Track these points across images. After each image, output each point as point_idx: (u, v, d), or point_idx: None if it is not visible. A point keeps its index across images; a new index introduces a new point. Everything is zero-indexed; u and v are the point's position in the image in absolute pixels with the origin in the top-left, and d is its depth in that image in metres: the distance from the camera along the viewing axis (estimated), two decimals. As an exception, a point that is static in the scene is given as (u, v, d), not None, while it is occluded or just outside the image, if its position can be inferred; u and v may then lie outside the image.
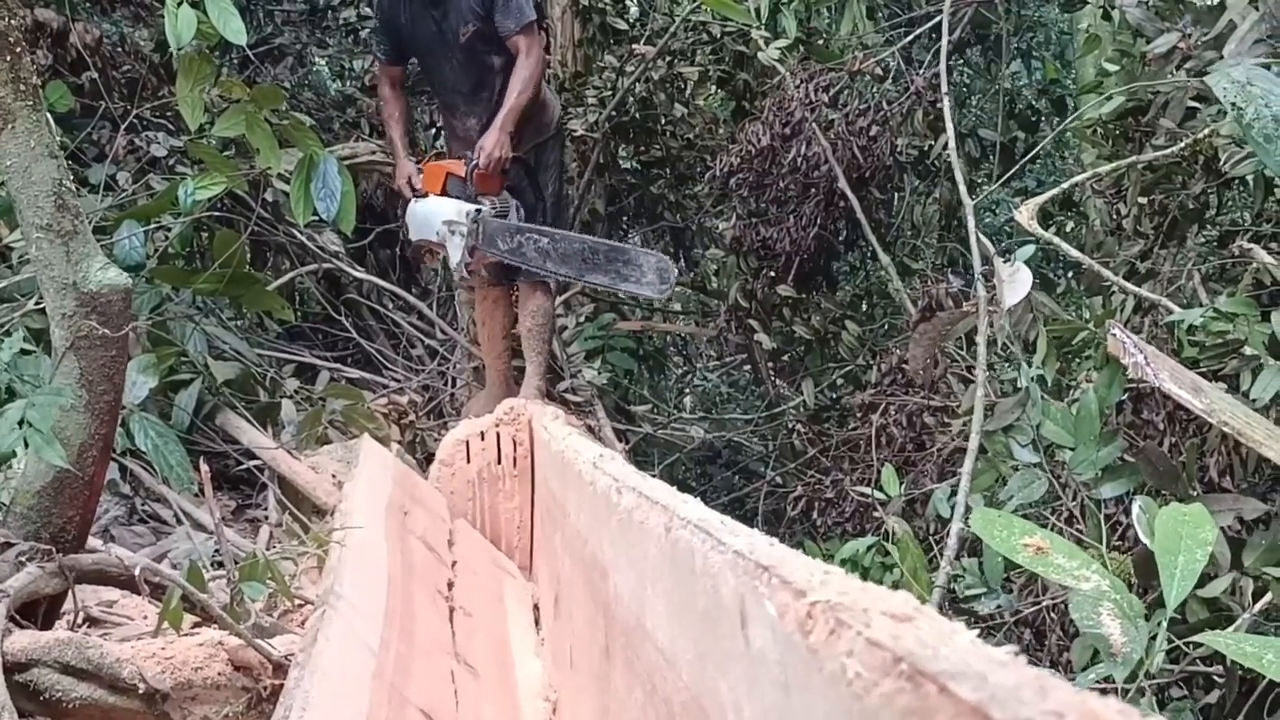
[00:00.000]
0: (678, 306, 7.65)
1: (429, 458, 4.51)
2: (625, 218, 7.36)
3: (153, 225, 4.33)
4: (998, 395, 3.56)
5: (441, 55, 5.02)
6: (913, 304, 5.18)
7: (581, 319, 6.38)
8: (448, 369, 6.40)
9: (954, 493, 3.45)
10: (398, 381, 6.26)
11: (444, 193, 4.99)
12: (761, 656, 0.72)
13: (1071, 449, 2.98)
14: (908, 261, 6.57)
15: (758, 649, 0.74)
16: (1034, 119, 6.84)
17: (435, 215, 4.99)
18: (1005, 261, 3.39)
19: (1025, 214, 3.45)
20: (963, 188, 4.06)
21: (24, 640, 2.27)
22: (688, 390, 8.75)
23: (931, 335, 4.18)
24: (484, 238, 4.88)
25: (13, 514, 2.54)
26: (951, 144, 4.56)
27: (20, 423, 2.37)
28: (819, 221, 5.96)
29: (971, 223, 3.67)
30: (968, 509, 3.16)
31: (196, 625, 2.67)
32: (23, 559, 2.43)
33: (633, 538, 1.35)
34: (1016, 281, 3.29)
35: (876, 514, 4.19)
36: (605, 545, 1.69)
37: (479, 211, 4.89)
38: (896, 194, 6.55)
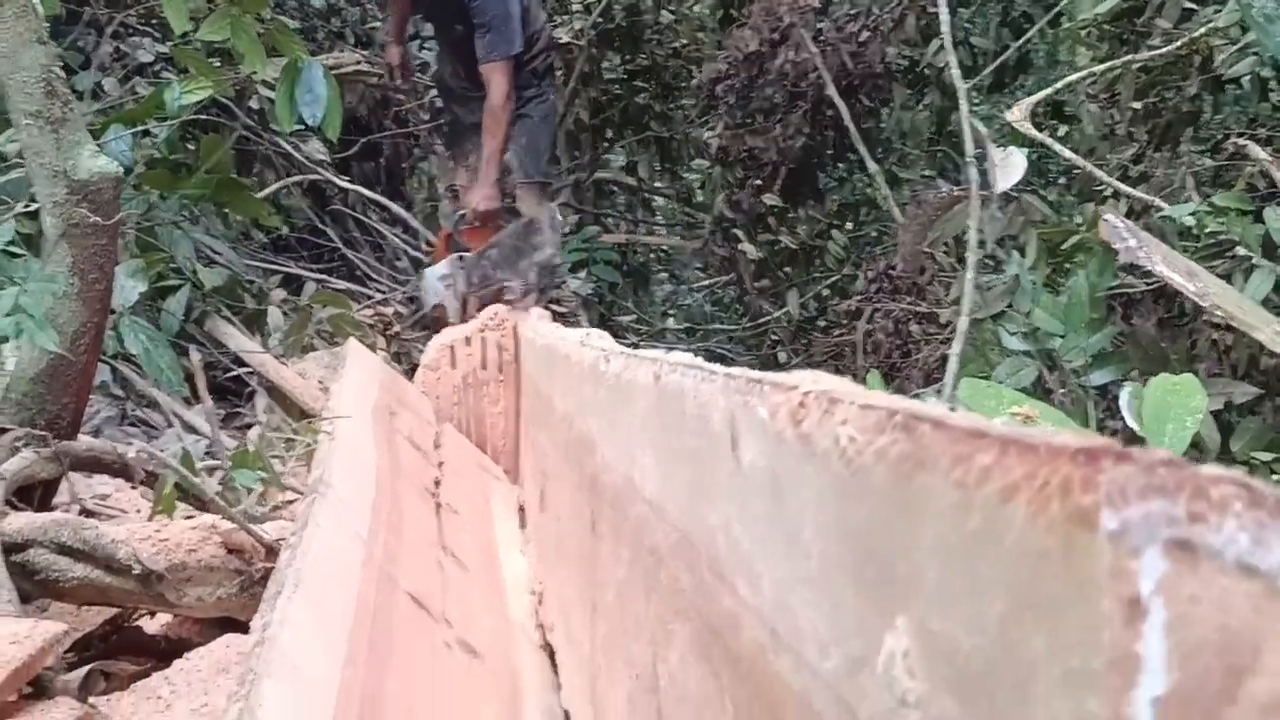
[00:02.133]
0: (662, 219, 7.66)
1: (413, 369, 4.54)
2: (610, 130, 7.34)
3: (139, 130, 4.32)
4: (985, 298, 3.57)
5: (444, 31, 5.06)
6: (901, 212, 5.18)
7: (566, 231, 6.39)
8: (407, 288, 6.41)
9: (940, 395, 3.47)
10: (382, 293, 6.27)
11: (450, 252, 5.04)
12: (751, 470, 0.75)
13: (1062, 337, 2.98)
14: (896, 170, 6.55)
15: (748, 464, 0.76)
16: (1026, 25, 6.79)
17: (433, 276, 5.03)
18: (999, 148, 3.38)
19: (1018, 113, 3.45)
20: (955, 69, 4.03)
21: (20, 521, 2.30)
22: (673, 309, 8.77)
23: (922, 220, 4.18)
24: (474, 280, 4.90)
25: (8, 400, 2.57)
26: (945, 23, 4.48)
27: (13, 310, 2.39)
28: (806, 131, 5.95)
29: (964, 107, 3.66)
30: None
31: (188, 517, 2.71)
32: (18, 444, 2.46)
33: (622, 401, 1.38)
34: (1010, 166, 3.29)
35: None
36: (592, 419, 1.73)
37: (461, 257, 4.92)
38: (885, 103, 6.52)
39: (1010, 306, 3.08)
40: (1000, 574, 0.40)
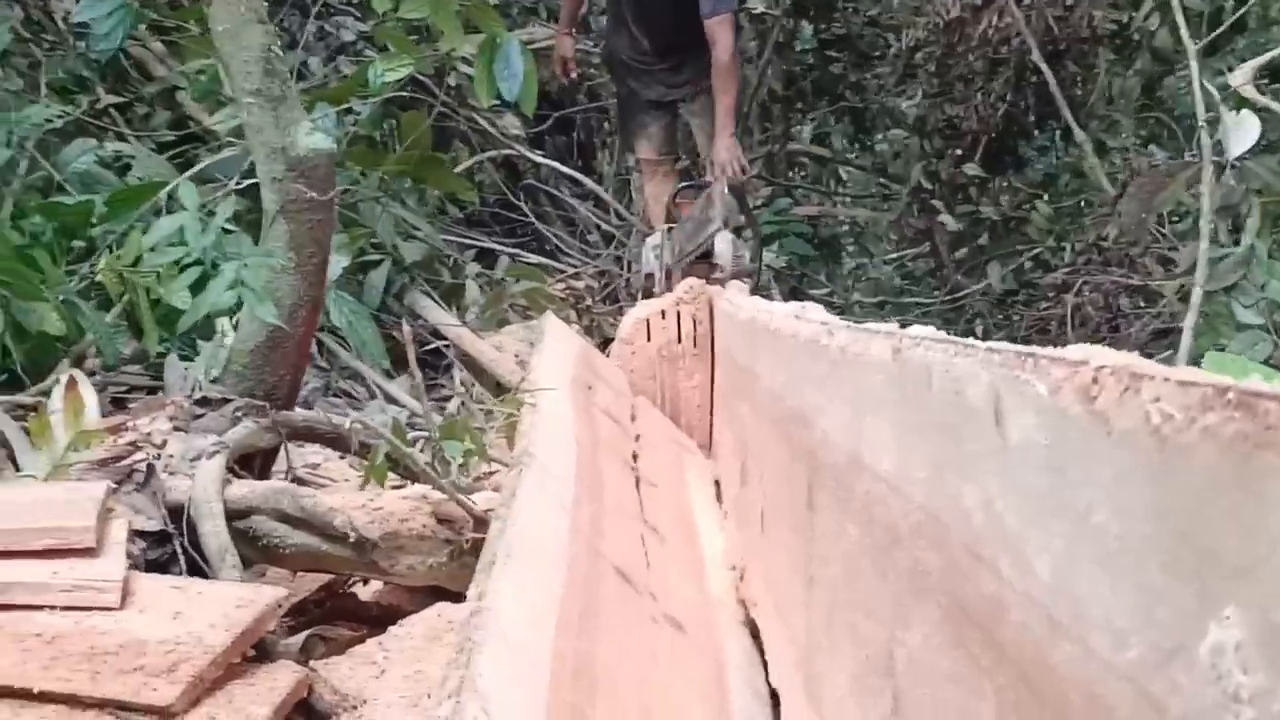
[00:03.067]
0: (853, 191, 7.57)
1: (606, 342, 4.57)
2: (802, 101, 7.27)
3: (343, 108, 4.42)
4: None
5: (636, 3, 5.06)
6: (1110, 181, 5.02)
7: (757, 204, 6.36)
8: (624, 254, 6.43)
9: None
10: (574, 267, 6.32)
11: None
12: (1023, 447, 0.72)
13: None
14: (1103, 138, 6.33)
15: (1017, 440, 0.73)
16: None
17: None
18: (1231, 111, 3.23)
19: (1241, 77, 3.29)
20: (1184, 28, 3.86)
21: (243, 489, 2.38)
22: (863, 280, 8.67)
23: (1147, 190, 4.02)
24: (674, 252, 4.89)
25: (229, 372, 2.66)
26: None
27: (234, 284, 2.47)
28: (1008, 98, 5.80)
29: (1195, 68, 3.50)
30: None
31: (397, 487, 2.76)
32: (239, 414, 2.54)
33: (847, 374, 1.35)
34: (1243, 130, 3.14)
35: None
36: (810, 394, 1.70)
37: (670, 229, 4.91)
38: (1091, 69, 6.31)
39: (1245, 278, 2.94)
40: None
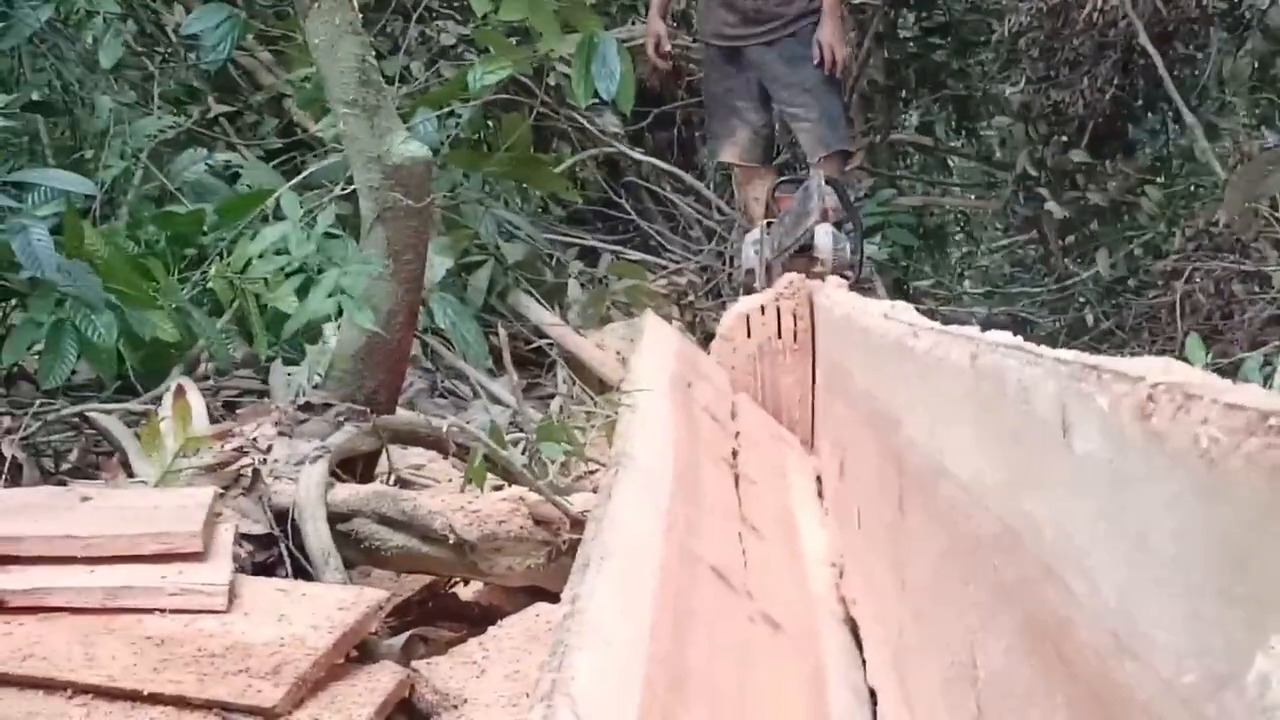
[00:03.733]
0: (958, 179, 7.48)
1: (708, 338, 4.57)
2: (904, 90, 7.21)
3: (445, 111, 4.48)
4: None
5: None
6: (1221, 164, 4.90)
7: (860, 195, 6.32)
8: (725, 249, 6.43)
9: (1268, 361, 3.28)
10: (676, 263, 6.32)
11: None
12: (1087, 459, 0.71)
13: None
14: (1215, 120, 6.17)
15: (1082, 453, 0.72)
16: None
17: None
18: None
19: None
20: None
21: (345, 492, 2.43)
22: (970, 270, 8.57)
23: (1252, 175, 3.93)
24: (774, 247, 4.85)
25: (330, 378, 2.71)
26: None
27: (334, 291, 2.52)
28: (1115, 82, 5.68)
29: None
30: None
31: (496, 488, 2.80)
32: (340, 419, 2.59)
33: (931, 379, 1.35)
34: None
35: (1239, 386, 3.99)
36: (898, 395, 1.70)
37: (769, 224, 4.88)
38: (1201, 49, 6.16)
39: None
40: None
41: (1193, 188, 6.38)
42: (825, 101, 5.10)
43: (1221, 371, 4.07)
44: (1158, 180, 6.25)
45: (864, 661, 2.04)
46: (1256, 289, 4.42)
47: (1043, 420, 0.81)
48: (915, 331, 1.48)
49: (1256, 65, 6.08)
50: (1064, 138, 5.98)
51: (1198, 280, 4.74)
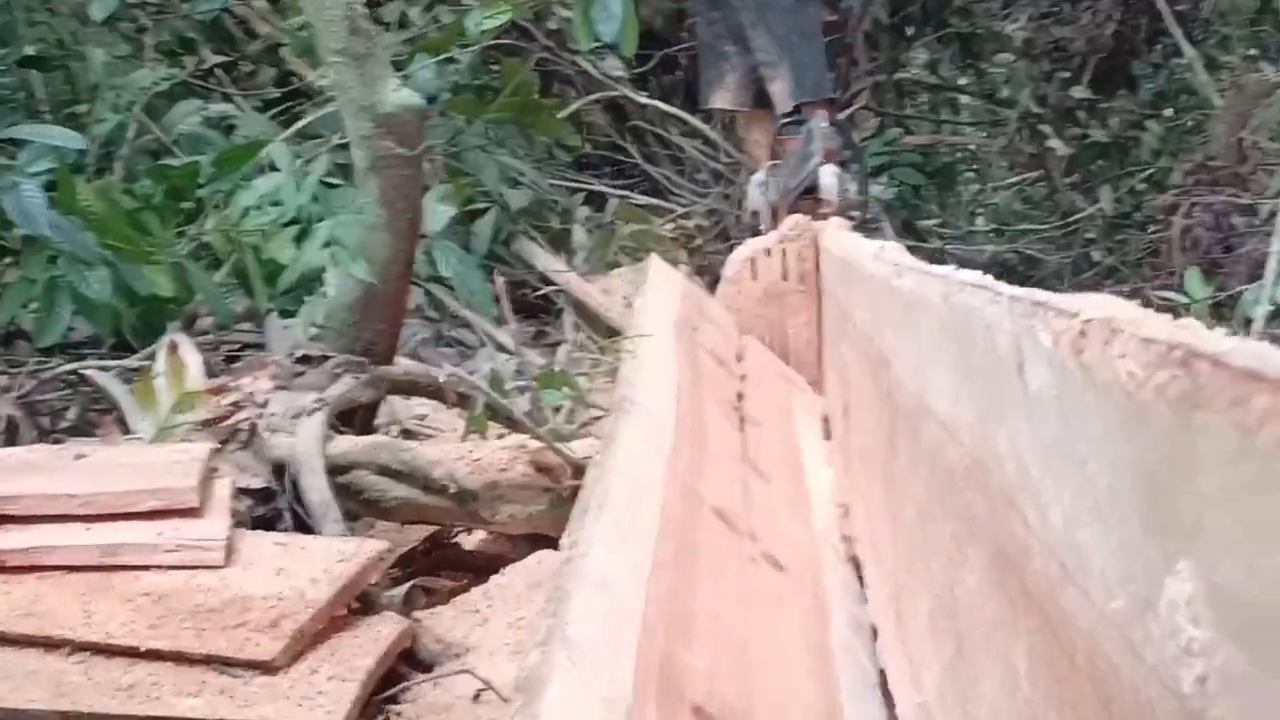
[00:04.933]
0: (967, 118, 7.42)
1: (716, 281, 4.56)
2: (910, 28, 7.14)
3: (444, 57, 4.44)
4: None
5: None
6: (1221, 98, 4.86)
7: (866, 135, 6.27)
8: (733, 192, 6.38)
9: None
10: (684, 206, 6.28)
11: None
12: (1039, 395, 0.72)
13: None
14: (1215, 54, 6.12)
15: (1034, 390, 0.73)
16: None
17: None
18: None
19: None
20: None
21: (344, 444, 2.43)
22: (980, 209, 8.53)
23: (1239, 107, 3.90)
24: (779, 189, 4.76)
25: (327, 330, 2.71)
26: None
27: (328, 242, 2.51)
28: (1117, 17, 5.63)
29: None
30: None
31: (500, 436, 2.80)
32: (338, 370, 2.59)
33: (914, 318, 1.35)
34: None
35: (1179, 321, 3.98)
36: (888, 335, 1.70)
37: (774, 165, 4.80)
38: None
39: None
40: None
41: (1193, 122, 6.33)
42: (798, 50, 4.94)
43: (1220, 305, 4.07)
44: (1160, 114, 6.20)
45: (867, 600, 2.05)
46: (1257, 222, 4.39)
47: (1002, 357, 0.82)
48: (899, 272, 1.48)
49: (1259, -3, 6.02)
50: (1066, 74, 5.93)
51: (1197, 214, 4.71)
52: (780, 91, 4.84)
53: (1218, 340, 0.44)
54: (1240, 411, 0.39)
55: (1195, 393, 0.44)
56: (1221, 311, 4.03)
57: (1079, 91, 5.94)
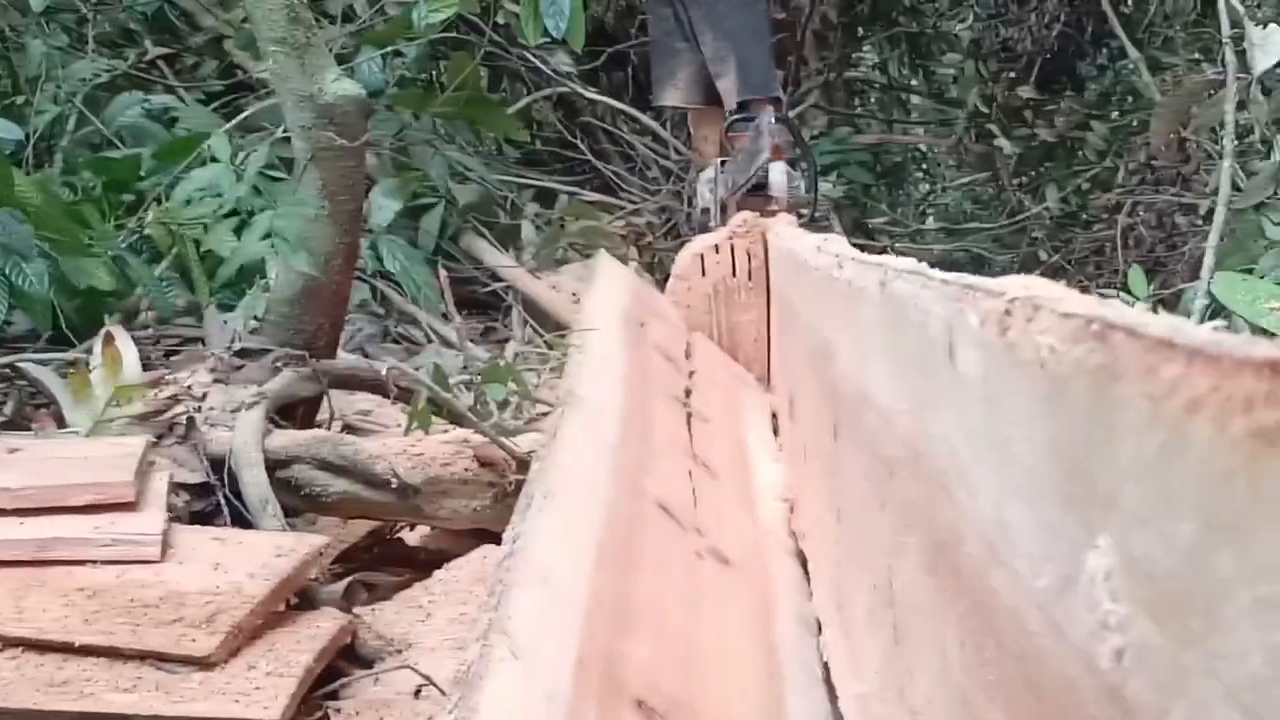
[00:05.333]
0: (916, 117, 7.46)
1: (666, 278, 4.55)
2: (859, 27, 7.17)
3: (390, 51, 4.42)
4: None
5: None
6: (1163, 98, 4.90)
7: (815, 134, 6.28)
8: (683, 189, 6.38)
9: (1210, 294, 3.30)
10: (634, 203, 6.28)
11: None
12: (967, 379, 0.72)
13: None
14: (1159, 56, 6.20)
15: (964, 370, 0.73)
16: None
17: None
18: (1258, 27, 3.16)
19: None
20: None
21: (284, 439, 2.40)
22: (929, 207, 8.59)
23: (1174, 107, 3.93)
24: (727, 185, 4.75)
25: (267, 322, 2.68)
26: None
27: (268, 233, 2.49)
28: (1063, 18, 5.68)
29: (1221, -18, 3.41)
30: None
31: (444, 431, 2.78)
32: (279, 364, 2.56)
33: (854, 308, 1.35)
34: (1268, 45, 3.06)
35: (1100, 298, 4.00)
36: (829, 327, 1.70)
37: (723, 162, 4.79)
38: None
39: (1277, 194, 2.88)
40: (1189, 493, 0.37)
41: (1137, 123, 6.41)
42: (745, 48, 4.93)
43: (1163, 302, 4.10)
44: (1105, 115, 6.27)
45: (813, 594, 2.05)
46: (1199, 221, 4.44)
47: (934, 340, 0.82)
48: (840, 263, 1.47)
49: (1198, 0, 6.08)
50: (1013, 74, 5.99)
51: (1140, 213, 4.76)
52: (728, 88, 4.84)
53: (1133, 313, 0.44)
54: (1152, 380, 0.39)
55: (1111, 364, 0.44)
56: (1164, 309, 4.07)
57: (1026, 92, 5.99)
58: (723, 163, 4.79)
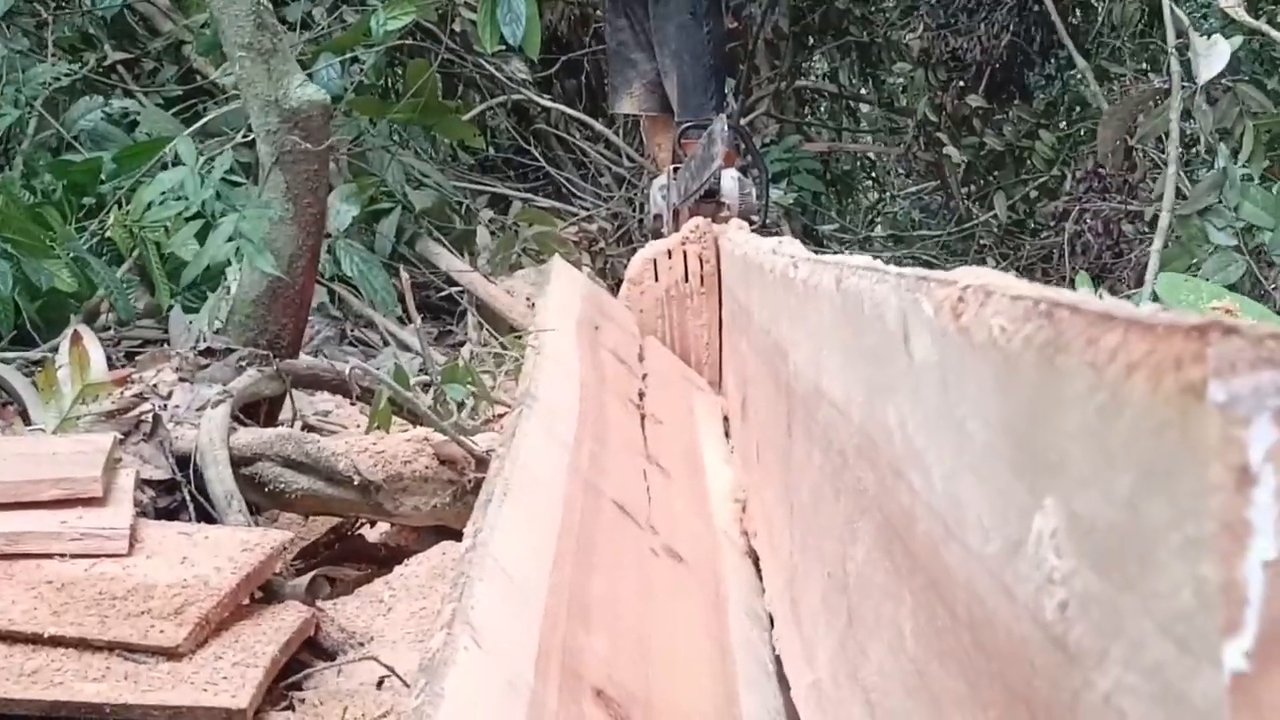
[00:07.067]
0: (866, 126, 7.53)
1: (618, 284, 4.58)
2: (810, 36, 7.24)
3: (348, 57, 4.44)
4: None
5: None
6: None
7: (766, 141, 6.35)
8: (635, 195, 6.43)
9: (1155, 295, 3.38)
10: (587, 209, 6.32)
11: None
12: (923, 365, 0.76)
13: (1272, 230, 2.88)
14: (1106, 65, 6.30)
15: (919, 358, 0.77)
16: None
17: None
18: (1203, 37, 3.24)
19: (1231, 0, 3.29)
20: None
21: (248, 436, 2.43)
22: (879, 215, 8.66)
23: (1121, 115, 4.01)
24: (680, 192, 4.78)
25: (232, 323, 2.71)
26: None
27: (233, 236, 2.52)
28: (1011, 28, 5.76)
29: (1166, -9, 3.50)
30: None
31: (403, 431, 2.81)
32: (243, 363, 2.59)
33: (809, 306, 1.39)
34: (1213, 55, 3.14)
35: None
36: (785, 326, 1.74)
37: (676, 169, 4.82)
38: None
39: (1220, 201, 2.96)
40: (1127, 447, 0.42)
41: (1085, 132, 6.50)
42: (684, 69, 4.93)
43: (1109, 307, 4.15)
44: (1052, 124, 6.36)
45: (764, 590, 2.09)
46: (1146, 229, 4.52)
47: (890, 332, 0.86)
48: (795, 263, 1.52)
49: (1145, 10, 6.18)
50: (963, 84, 6.06)
51: (1088, 221, 4.84)
52: (675, 104, 4.89)
53: (1077, 295, 0.49)
54: (1094, 350, 0.44)
55: (1057, 338, 0.49)
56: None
57: (975, 101, 6.08)
58: (675, 170, 4.83)
